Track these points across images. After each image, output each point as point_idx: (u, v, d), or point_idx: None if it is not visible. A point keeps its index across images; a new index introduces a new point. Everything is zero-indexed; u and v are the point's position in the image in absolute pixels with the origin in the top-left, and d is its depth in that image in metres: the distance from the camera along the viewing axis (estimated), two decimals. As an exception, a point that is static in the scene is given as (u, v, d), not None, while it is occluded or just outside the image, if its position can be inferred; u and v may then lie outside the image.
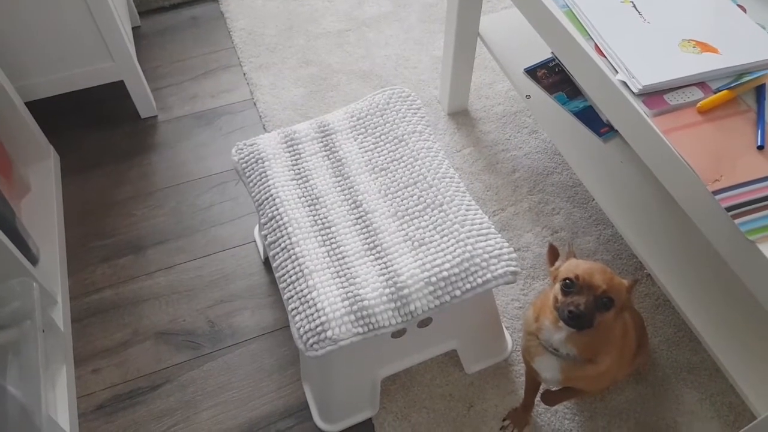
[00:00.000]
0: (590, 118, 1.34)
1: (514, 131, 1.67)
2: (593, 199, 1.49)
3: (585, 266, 0.90)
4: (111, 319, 1.35)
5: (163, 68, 1.88)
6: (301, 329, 0.94)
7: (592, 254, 1.41)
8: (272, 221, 1.08)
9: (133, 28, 1.98)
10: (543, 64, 1.45)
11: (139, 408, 1.22)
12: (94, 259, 1.45)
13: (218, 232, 1.49)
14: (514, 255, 1.02)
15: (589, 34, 0.99)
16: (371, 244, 1.03)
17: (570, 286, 0.88)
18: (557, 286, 0.91)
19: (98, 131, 1.71)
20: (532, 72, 1.44)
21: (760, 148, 0.84)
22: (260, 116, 1.74)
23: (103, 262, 1.44)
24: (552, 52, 1.46)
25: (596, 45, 0.98)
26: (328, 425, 1.18)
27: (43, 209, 1.49)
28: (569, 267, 0.91)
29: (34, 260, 1.33)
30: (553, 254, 1.00)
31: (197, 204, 1.55)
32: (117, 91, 1.75)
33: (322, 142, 1.19)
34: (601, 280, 0.87)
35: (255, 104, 1.77)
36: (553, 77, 1.43)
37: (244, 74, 1.85)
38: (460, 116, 1.71)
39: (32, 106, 1.56)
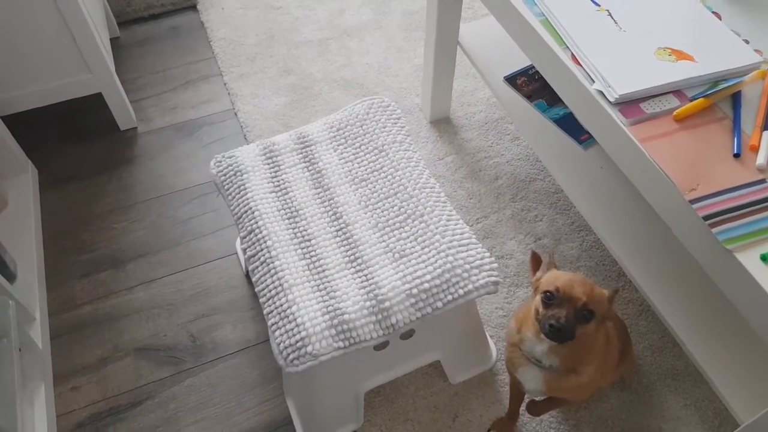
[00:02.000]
0: (570, 125, 1.34)
1: (496, 138, 1.67)
2: (573, 206, 1.49)
3: (565, 278, 0.90)
4: (90, 336, 1.33)
5: (142, 79, 1.86)
6: (281, 345, 0.93)
7: (575, 261, 1.41)
8: (251, 234, 1.07)
9: (111, 39, 1.97)
10: (523, 72, 1.46)
11: (119, 426, 1.20)
12: (73, 274, 1.43)
13: (199, 244, 1.47)
14: (495, 265, 1.01)
15: (565, 44, 0.99)
16: (352, 257, 1.02)
17: (550, 298, 0.88)
18: (538, 297, 0.90)
19: (77, 144, 1.69)
20: (512, 80, 1.44)
21: (737, 156, 0.84)
22: (241, 126, 1.73)
23: (82, 278, 1.42)
24: (532, 60, 1.46)
25: (572, 54, 0.98)
26: (311, 439, 1.17)
27: (20, 224, 1.46)
28: (549, 279, 0.91)
29: (11, 277, 1.31)
30: (536, 262, 0.99)
31: (178, 216, 1.53)
32: (96, 102, 1.73)
33: (301, 153, 1.19)
34: (582, 292, 0.87)
35: (236, 114, 1.76)
36: (533, 85, 1.43)
37: (225, 84, 1.84)
38: (442, 124, 1.71)
39: (9, 119, 1.54)
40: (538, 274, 0.96)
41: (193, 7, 2.09)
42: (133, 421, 1.21)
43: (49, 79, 1.54)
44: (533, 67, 1.45)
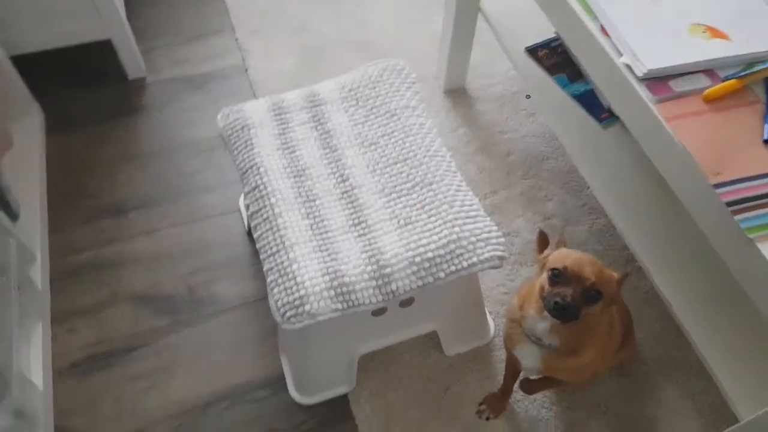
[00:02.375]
0: (591, 102, 1.30)
1: (511, 113, 1.63)
2: (588, 187, 1.46)
3: (574, 256, 0.87)
4: (89, 280, 1.32)
5: (153, 29, 1.81)
6: (279, 302, 0.91)
7: (583, 244, 1.38)
8: (256, 190, 1.04)
9: (127, -15, 1.92)
10: (545, 44, 1.41)
11: (114, 369, 1.20)
12: (75, 219, 1.41)
13: (202, 199, 1.45)
14: (502, 239, 0.99)
15: (594, 14, 0.95)
16: (356, 220, 0.99)
17: (558, 276, 0.86)
18: (544, 275, 0.88)
19: (84, 90, 1.66)
20: (533, 51, 1.40)
21: (767, 142, 0.80)
22: (251, 84, 1.69)
23: (84, 223, 1.41)
24: (555, 32, 1.42)
25: (602, 25, 0.94)
26: (303, 397, 1.16)
27: (25, 166, 1.44)
28: (558, 256, 0.89)
29: (13, 216, 1.29)
30: (543, 242, 0.97)
31: (182, 169, 1.51)
32: (105, 49, 1.69)
33: (311, 112, 1.15)
34: (591, 272, 0.85)
35: (246, 71, 1.72)
36: (554, 58, 1.38)
37: (237, 40, 1.79)
38: (457, 94, 1.66)
39: (17, 60, 1.51)
40: (547, 251, 0.93)
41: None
42: (128, 366, 1.21)
43: (59, 21, 1.50)
44: (556, 39, 1.41)
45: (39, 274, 1.27)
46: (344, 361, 1.12)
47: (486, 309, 1.27)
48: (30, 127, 1.52)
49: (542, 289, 0.88)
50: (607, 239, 1.39)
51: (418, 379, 1.20)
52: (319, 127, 1.13)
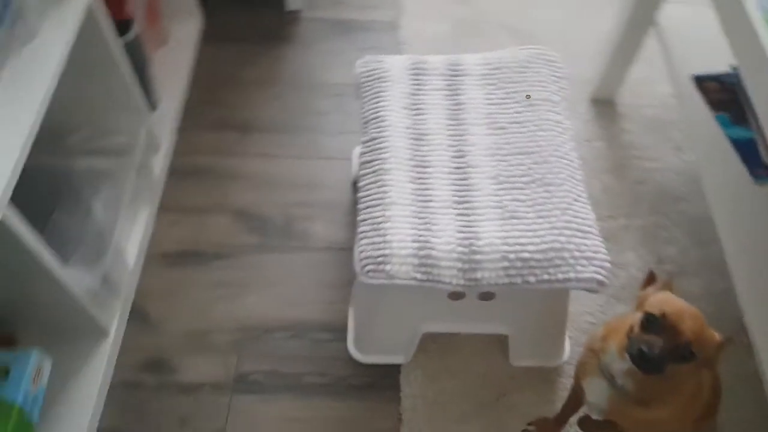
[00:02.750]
0: (749, 152, 1.17)
1: (656, 141, 1.51)
2: (718, 242, 1.32)
3: (676, 305, 0.79)
4: (202, 184, 1.40)
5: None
6: (363, 253, 0.91)
7: (693, 300, 1.24)
8: (372, 142, 1.04)
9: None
10: (716, 77, 1.28)
11: (198, 269, 1.27)
12: (204, 124, 1.50)
13: (322, 139, 1.48)
14: (607, 264, 0.92)
15: (789, 53, 0.84)
16: (461, 198, 0.97)
17: (652, 322, 0.78)
18: (638, 315, 0.81)
19: (245, 11, 1.74)
20: (701, 81, 1.28)
21: None
22: (398, 42, 1.69)
23: (211, 131, 1.49)
24: (734, 67, 1.28)
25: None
26: (358, 354, 1.16)
27: (173, 65, 1.54)
28: (659, 300, 0.81)
29: (152, 106, 1.39)
30: (651, 281, 0.89)
31: (312, 107, 1.54)
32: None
33: (448, 80, 1.13)
34: (690, 328, 0.77)
35: (396, 29, 1.72)
36: (721, 94, 1.26)
37: (397, -4, 1.79)
38: (604, 105, 1.57)
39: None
40: (649, 289, 0.86)
41: None
42: (211, 271, 1.27)
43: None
44: (730, 75, 1.28)
45: (160, 164, 1.36)
46: (408, 333, 1.11)
47: (566, 332, 1.20)
48: (188, 31, 1.62)
49: (631, 329, 0.81)
50: (722, 304, 1.26)
51: (474, 376, 1.17)
52: (452, 97, 1.11)
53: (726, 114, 1.23)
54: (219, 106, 1.53)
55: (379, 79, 1.12)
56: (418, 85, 1.12)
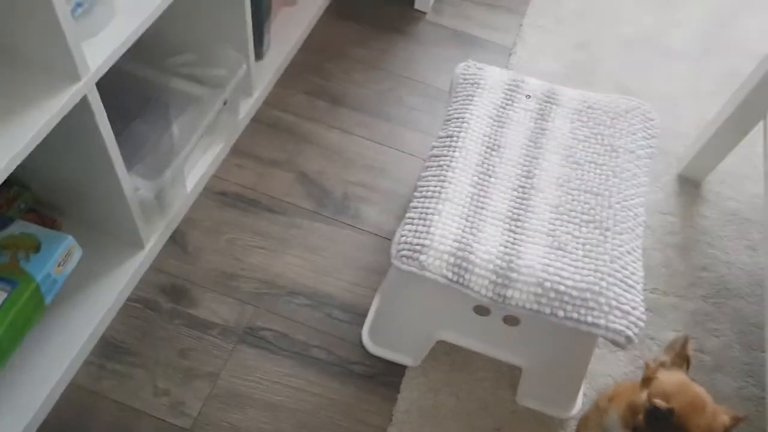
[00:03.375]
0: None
1: (732, 234, 1.45)
2: (765, 352, 1.26)
3: (687, 396, 0.76)
4: (278, 138, 1.45)
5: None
6: (404, 238, 0.92)
7: (721, 401, 1.20)
8: (448, 138, 1.06)
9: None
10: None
11: (247, 216, 1.32)
12: (300, 86, 1.56)
13: (404, 132, 1.51)
14: (641, 323, 0.89)
15: None
16: (515, 216, 0.96)
17: (658, 418, 0.74)
18: (645, 398, 0.77)
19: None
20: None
21: None
22: (508, 67, 1.70)
23: (304, 93, 1.55)
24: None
25: None
26: (370, 343, 1.17)
27: (293, 26, 1.62)
28: (668, 386, 0.77)
29: (260, 55, 1.46)
30: (675, 350, 0.86)
31: (405, 100, 1.58)
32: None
33: (540, 104, 1.13)
34: (700, 426, 0.73)
35: (510, 56, 1.73)
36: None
37: (521, 25, 1.81)
38: (688, 184, 1.52)
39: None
40: (663, 358, 0.82)
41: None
42: (259, 221, 1.32)
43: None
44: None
45: (247, 108, 1.43)
46: (423, 335, 1.11)
47: (583, 385, 1.16)
48: (316, 1, 1.69)
49: (635, 409, 0.78)
50: (750, 409, 1.19)
51: (476, 401, 1.15)
52: (538, 121, 1.11)
53: (814, 223, 1.17)
54: (319, 75, 1.59)
55: (474, 84, 1.14)
56: (509, 99, 1.13)
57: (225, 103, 1.23)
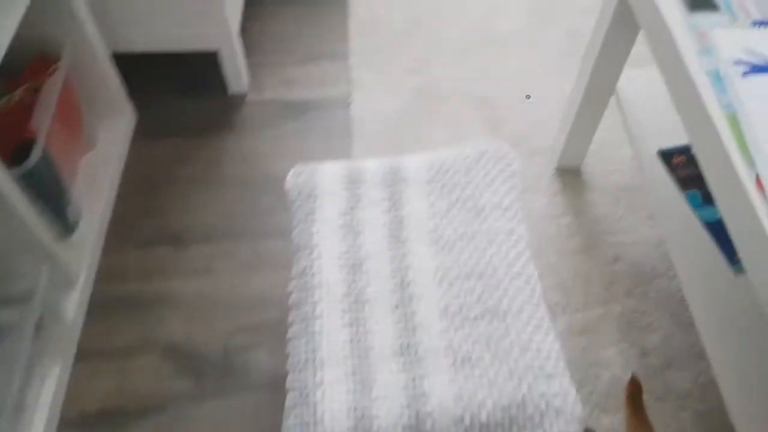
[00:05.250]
0: (725, 236, 1.06)
1: (627, 210, 1.40)
2: (701, 335, 1.21)
3: None
4: (127, 318, 1.23)
5: (267, 42, 1.75)
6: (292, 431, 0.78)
7: (683, 398, 1.14)
8: (303, 276, 0.91)
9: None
10: (683, 150, 1.18)
11: (122, 432, 1.10)
12: (132, 241, 1.35)
13: (268, 244, 1.35)
14: (579, 412, 0.79)
15: (753, 160, 0.73)
16: (405, 344, 0.84)
17: None
18: None
19: (181, 98, 1.62)
20: (667, 156, 1.17)
21: None
22: (351, 121, 1.58)
23: (140, 248, 1.34)
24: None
25: (758, 177, 0.72)
26: None
27: (101, 172, 1.41)
28: None
29: (69, 229, 1.25)
30: (635, 391, 0.77)
31: (258, 205, 1.41)
32: (211, 58, 1.64)
33: (388, 190, 1.01)
34: None
35: (349, 105, 1.61)
36: (691, 169, 1.15)
37: (349, 68, 1.69)
38: (570, 175, 1.46)
39: (119, 60, 1.48)
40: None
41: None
42: (135, 432, 1.10)
43: (167, 24, 1.46)
44: (701, 147, 1.17)
45: (75, 302, 1.19)
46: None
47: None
48: (119, 130, 1.49)
49: None
50: (715, 398, 1.14)
51: None
52: (392, 211, 0.98)
53: (697, 191, 1.12)
54: (151, 216, 1.39)
55: (310, 196, 1.00)
56: (354, 198, 1.00)
57: (41, 318, 1.03)
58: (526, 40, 1.73)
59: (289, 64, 1.71)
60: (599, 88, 1.27)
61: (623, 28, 1.15)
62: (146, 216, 1.39)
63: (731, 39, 0.86)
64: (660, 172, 1.16)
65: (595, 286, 1.28)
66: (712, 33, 0.88)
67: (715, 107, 0.79)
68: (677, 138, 1.19)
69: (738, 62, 0.83)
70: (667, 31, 0.89)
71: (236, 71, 1.60)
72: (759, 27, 0.88)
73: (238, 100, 1.63)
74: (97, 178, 1.39)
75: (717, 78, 0.82)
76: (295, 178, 1.04)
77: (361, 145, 1.51)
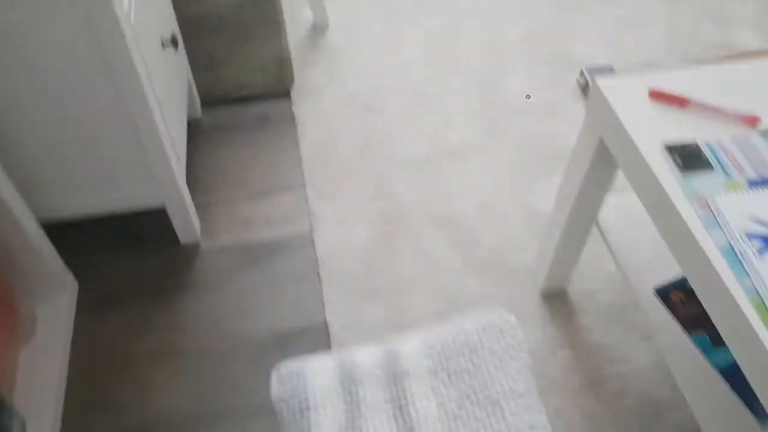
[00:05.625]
0: (743, 383, 1.00)
1: (622, 332, 1.34)
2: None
3: None
4: None
5: (216, 177, 1.64)
6: None
7: None
8: None
9: (191, 121, 1.77)
10: (679, 284, 1.14)
11: None
12: (91, 439, 1.19)
13: (255, 426, 1.20)
14: None
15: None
16: None
17: None
18: None
19: (127, 257, 1.47)
20: (663, 293, 1.13)
21: None
22: (317, 260, 1.47)
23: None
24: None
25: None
26: None
27: (44, 364, 1.24)
28: None
29: (15, 448, 1.08)
30: None
31: (228, 377, 1.27)
32: (157, 210, 1.52)
33: (390, 388, 0.90)
34: None
35: (313, 243, 1.51)
36: (692, 306, 1.11)
37: (307, 200, 1.60)
38: (556, 299, 1.40)
39: (53, 225, 1.33)
40: None
41: (287, 94, 1.88)
42: None
43: (105, 188, 1.33)
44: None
45: None
46: None
47: None
48: (59, 308, 1.33)
49: None
50: None
51: None
52: (400, 414, 0.87)
53: (704, 333, 1.07)
54: (107, 409, 1.22)
55: (302, 409, 0.88)
56: (354, 404, 0.88)
57: None
58: (480, 150, 1.69)
59: (242, 198, 1.61)
60: (581, 219, 1.23)
61: (602, 168, 1.11)
62: (103, 409, 1.23)
63: (735, 206, 0.83)
64: (660, 310, 1.11)
65: (607, 427, 1.20)
66: (715, 200, 0.84)
67: (740, 294, 0.74)
68: (669, 270, 1.14)
69: (750, 236, 0.79)
70: (668, 201, 0.85)
71: (186, 222, 1.47)
72: (758, 188, 0.85)
73: (191, 251, 1.50)
74: (40, 373, 1.23)
75: (732, 255, 0.78)
76: (281, 385, 0.92)
77: (332, 292, 1.41)
